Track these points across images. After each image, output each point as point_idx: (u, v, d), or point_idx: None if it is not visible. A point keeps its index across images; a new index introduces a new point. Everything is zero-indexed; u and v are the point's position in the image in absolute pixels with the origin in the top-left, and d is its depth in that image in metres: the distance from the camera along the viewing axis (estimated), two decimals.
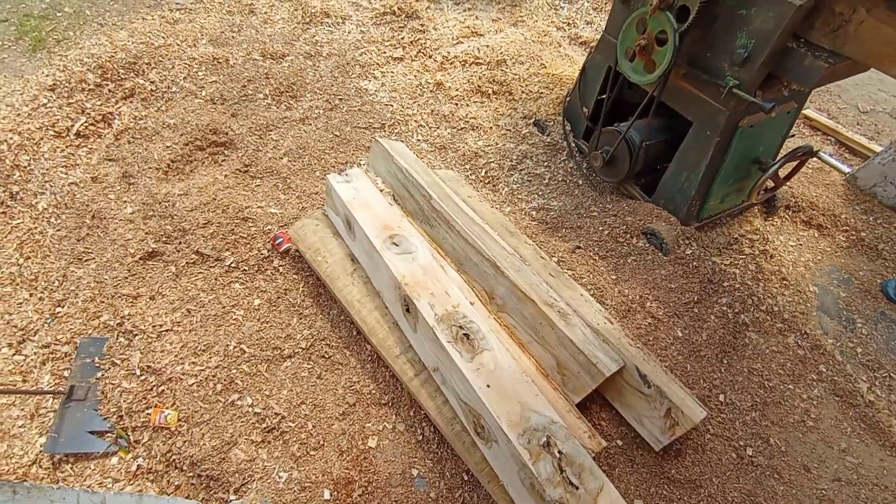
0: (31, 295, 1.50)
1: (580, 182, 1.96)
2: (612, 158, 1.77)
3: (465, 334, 1.12)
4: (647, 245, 1.66)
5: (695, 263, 1.59)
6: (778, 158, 1.45)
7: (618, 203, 1.82)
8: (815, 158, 1.74)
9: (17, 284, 1.52)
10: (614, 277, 1.59)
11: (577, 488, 0.92)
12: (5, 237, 1.63)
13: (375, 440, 1.24)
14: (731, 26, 1.26)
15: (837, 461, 1.33)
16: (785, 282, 1.69)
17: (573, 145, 2.00)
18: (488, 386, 1.03)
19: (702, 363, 1.43)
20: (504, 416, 0.99)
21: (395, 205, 1.52)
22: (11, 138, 1.83)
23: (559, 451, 0.96)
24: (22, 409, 1.30)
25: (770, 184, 1.62)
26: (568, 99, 2.02)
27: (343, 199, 1.40)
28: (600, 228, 1.73)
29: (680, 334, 1.47)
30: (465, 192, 1.72)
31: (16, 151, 1.80)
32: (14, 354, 1.39)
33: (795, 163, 1.56)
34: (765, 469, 1.29)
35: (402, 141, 2.05)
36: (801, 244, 1.84)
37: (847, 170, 1.46)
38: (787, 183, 1.89)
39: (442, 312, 1.16)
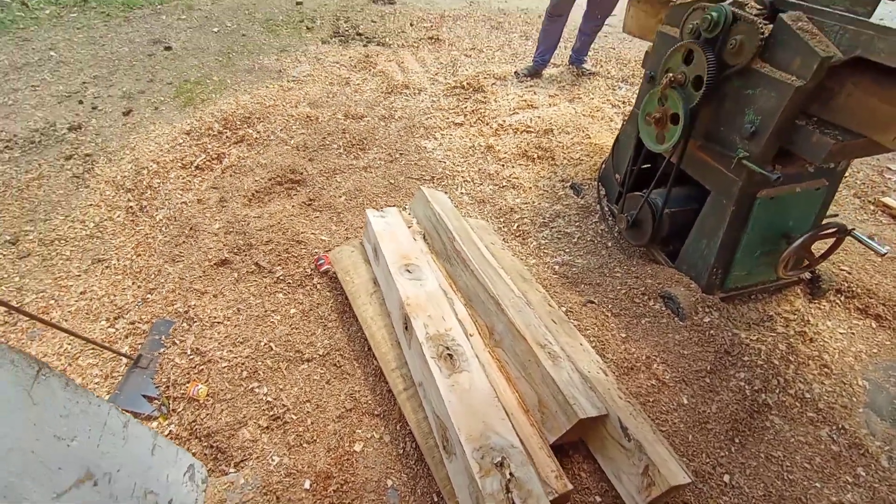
0: (132, 283, 1.90)
1: (609, 244, 2.02)
2: (637, 222, 1.83)
3: (449, 354, 1.23)
4: (664, 309, 1.65)
5: (712, 332, 1.54)
6: (804, 233, 1.42)
7: (642, 266, 1.84)
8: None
9: (126, 274, 1.94)
10: (623, 335, 1.59)
11: (512, 497, 0.94)
12: (128, 238, 2.11)
13: (361, 446, 1.34)
14: (739, 104, 1.35)
15: None
16: (826, 370, 1.55)
17: (605, 209, 2.09)
18: (459, 402, 1.12)
19: (707, 437, 1.35)
20: (465, 430, 1.06)
21: (423, 242, 1.72)
22: (151, 166, 2.40)
23: (510, 473, 1.00)
24: (101, 371, 1.63)
25: (804, 262, 1.56)
26: (603, 166, 2.15)
27: (375, 230, 1.64)
28: (618, 287, 1.76)
29: (686, 402, 1.41)
30: (489, 239, 1.88)
31: (152, 175, 2.36)
32: (108, 327, 1.76)
33: (831, 241, 1.50)
34: None
35: (446, 192, 2.30)
36: (853, 333, 1.68)
37: (883, 251, 1.37)
38: (829, 263, 1.79)
39: (433, 333, 1.29)
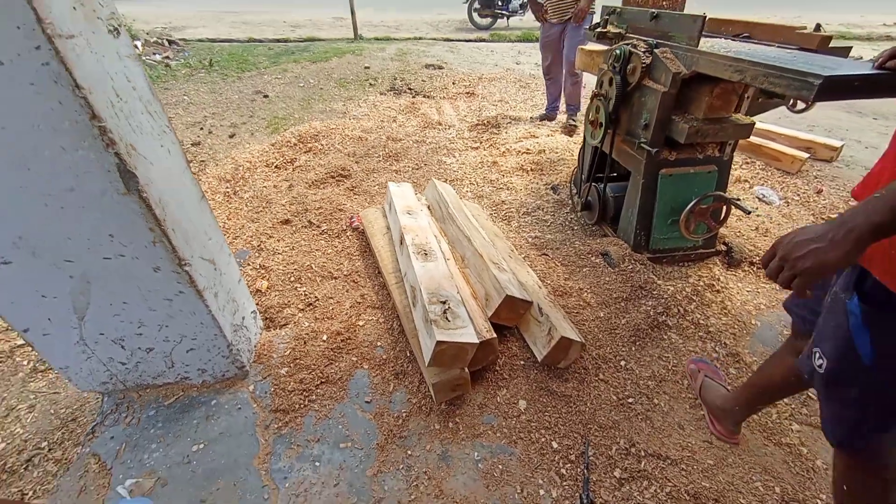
0: (225, 235, 2.72)
1: (575, 227, 2.59)
2: (588, 204, 2.43)
3: (424, 252, 1.87)
4: (602, 262, 2.18)
5: (633, 274, 2.05)
6: (691, 205, 1.96)
7: (595, 238, 2.40)
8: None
9: (223, 232, 2.78)
10: (566, 276, 2.13)
11: (449, 321, 1.51)
12: (223, 210, 2.97)
13: (363, 322, 1.96)
14: (639, 107, 1.98)
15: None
16: (725, 310, 1.98)
17: (575, 202, 2.69)
18: (425, 273, 1.73)
19: (614, 338, 1.84)
20: (425, 286, 1.66)
21: (427, 210, 2.42)
22: (245, 164, 3.35)
23: (449, 307, 1.58)
24: None
25: (707, 229, 2.07)
26: (574, 170, 2.78)
27: (391, 190, 2.36)
28: (571, 250, 2.32)
29: (602, 315, 1.91)
30: (476, 211, 2.54)
31: (245, 171, 3.29)
32: None
33: (723, 207, 2.01)
34: (639, 413, 1.59)
35: (455, 188, 3.01)
36: (758, 292, 2.11)
37: (749, 210, 1.82)
38: (749, 243, 2.26)
39: (417, 242, 1.93)
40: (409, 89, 5.19)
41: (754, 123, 1.86)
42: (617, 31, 2.26)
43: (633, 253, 2.15)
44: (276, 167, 3.31)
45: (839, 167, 3.40)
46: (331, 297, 2.10)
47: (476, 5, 9.00)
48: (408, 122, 4.16)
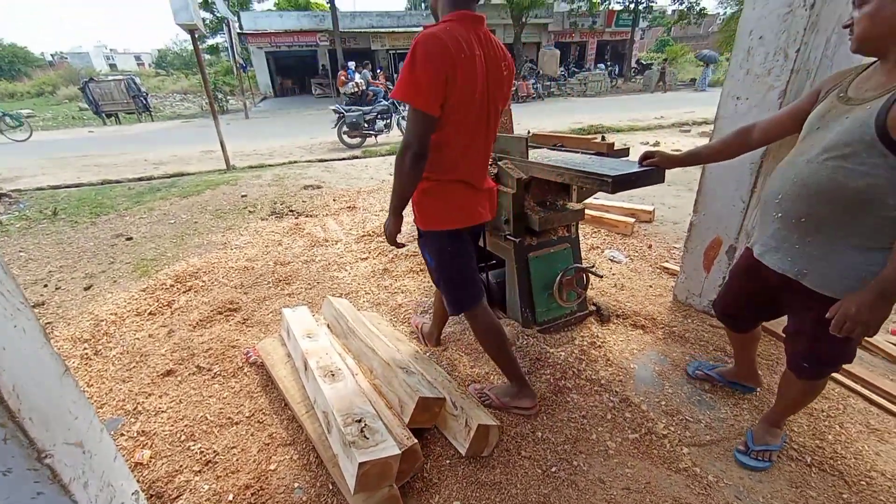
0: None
1: None
2: None
3: (332, 373, 1.85)
4: None
5: (528, 349, 2.27)
6: (558, 278, 2.33)
7: None
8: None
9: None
10: (471, 363, 2.26)
11: (367, 438, 1.49)
12: (84, 378, 2.58)
13: (275, 465, 1.80)
14: (501, 207, 2.37)
15: (630, 478, 1.69)
16: (609, 362, 2.28)
17: None
18: (335, 395, 1.71)
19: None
20: (337, 408, 1.63)
21: (327, 328, 2.42)
22: (109, 317, 3.00)
23: (365, 424, 1.56)
24: None
25: (577, 294, 2.43)
26: None
27: (287, 316, 2.33)
28: (470, 338, 2.49)
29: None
30: (375, 320, 2.61)
31: (109, 325, 2.94)
32: None
33: (583, 275, 2.41)
34: (564, 480, 1.68)
35: (351, 301, 3.07)
36: (629, 339, 2.47)
37: (601, 274, 2.26)
38: (611, 300, 2.68)
39: (322, 364, 1.91)
40: (291, 211, 5.32)
41: (584, 209, 2.35)
42: None
43: (524, 329, 2.39)
44: (149, 314, 3.03)
45: (657, 225, 4.30)
46: (233, 447, 1.90)
47: (344, 128, 9.89)
48: (294, 243, 4.22)
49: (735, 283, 1.67)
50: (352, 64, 15.33)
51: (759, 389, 2.03)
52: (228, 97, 20.36)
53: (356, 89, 12.43)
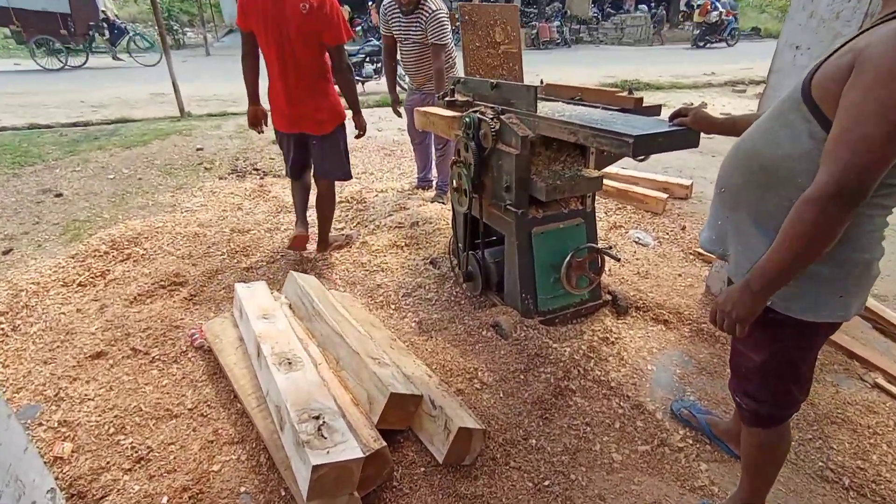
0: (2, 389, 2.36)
1: (462, 302, 2.81)
2: (469, 275, 2.68)
3: (288, 361, 1.86)
4: (494, 335, 2.39)
5: (526, 342, 2.27)
6: (567, 260, 2.32)
7: (484, 311, 2.62)
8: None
9: None
10: (459, 357, 2.28)
11: (325, 438, 1.51)
12: None
13: (219, 466, 1.82)
14: (500, 171, 2.34)
15: (636, 495, 1.71)
16: (623, 361, 2.29)
17: (456, 274, 2.94)
18: (291, 385, 1.72)
19: (519, 417, 1.98)
20: (292, 401, 1.65)
21: (288, 310, 2.42)
22: (32, 288, 3.01)
23: (324, 421, 1.58)
24: None
25: (590, 280, 2.43)
26: (452, 240, 3.07)
27: (240, 294, 2.33)
28: (460, 327, 2.50)
29: (502, 393, 2.06)
30: (347, 302, 2.61)
31: (29, 296, 2.95)
32: None
33: (591, 259, 2.40)
34: (558, 496, 1.70)
35: (325, 279, 3.07)
36: (648, 336, 2.49)
37: (618, 258, 2.25)
38: (633, 289, 2.68)
39: (278, 351, 1.92)
40: (256, 170, 5.28)
41: (602, 176, 2.32)
42: (464, 98, 2.69)
43: (523, 319, 2.40)
44: (78, 285, 3.03)
45: (694, 203, 4.27)
46: (171, 443, 1.93)
47: None
48: (256, 208, 4.20)
49: None
50: None
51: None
52: (186, 29, 19.95)
53: None
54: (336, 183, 3.32)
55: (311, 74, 2.77)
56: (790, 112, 1.13)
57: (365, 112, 3.33)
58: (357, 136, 3.15)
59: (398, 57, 3.99)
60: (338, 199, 4.23)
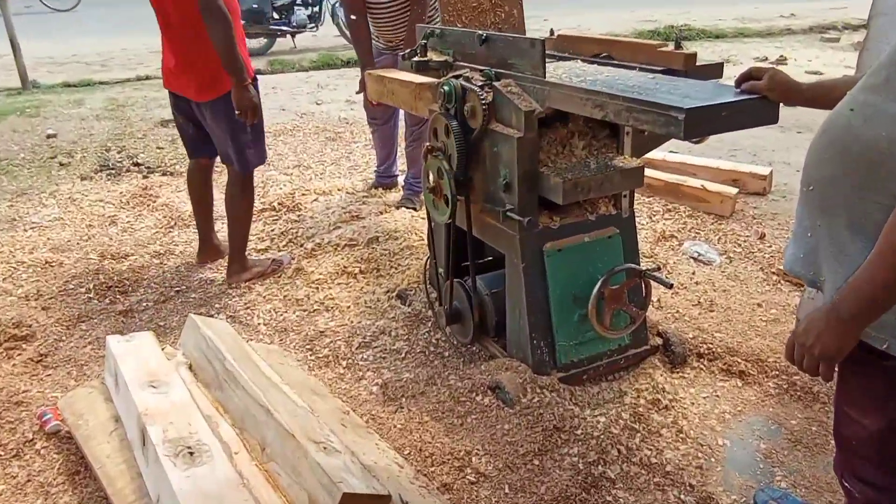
0: None
1: (446, 353, 2.81)
2: (456, 314, 2.69)
3: (189, 451, 1.83)
4: (494, 401, 2.39)
5: (540, 411, 2.28)
6: (596, 288, 2.34)
7: (477, 366, 2.63)
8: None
9: None
10: (444, 433, 2.27)
11: None
12: None
13: None
14: (494, 162, 2.37)
15: None
16: (681, 434, 2.31)
17: (436, 313, 2.94)
18: (192, 489, 1.69)
19: None
20: None
21: (187, 372, 2.39)
22: None
23: None
24: None
25: (630, 319, 2.46)
26: (428, 264, 3.08)
27: (115, 353, 2.30)
28: (444, 392, 2.50)
29: (507, 490, 2.06)
30: (275, 358, 2.59)
31: None
32: None
33: (632, 286, 2.43)
34: None
35: (242, 324, 3.04)
36: (717, 396, 2.51)
37: (670, 284, 2.28)
38: (690, 327, 2.72)
39: (173, 436, 1.89)
40: (136, 165, 5.28)
41: (643, 167, 2.36)
42: (441, 58, 2.72)
43: (536, 377, 2.40)
44: None
45: (775, 200, 4.38)
46: None
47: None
48: (138, 221, 4.19)
49: None
50: None
51: None
52: None
53: None
54: (255, 176, 3.38)
55: (192, 15, 2.94)
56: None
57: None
58: (238, 116, 3.09)
59: None
60: (260, 206, 4.26)
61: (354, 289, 3.29)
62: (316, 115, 6.63)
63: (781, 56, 8.81)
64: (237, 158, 3.26)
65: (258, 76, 3.23)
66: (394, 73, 3.09)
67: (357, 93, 4.29)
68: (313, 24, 10.22)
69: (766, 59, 8.67)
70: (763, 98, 1.73)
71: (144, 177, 5.05)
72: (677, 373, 2.63)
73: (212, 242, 3.62)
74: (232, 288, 3.36)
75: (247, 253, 3.50)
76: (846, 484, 1.49)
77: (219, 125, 3.20)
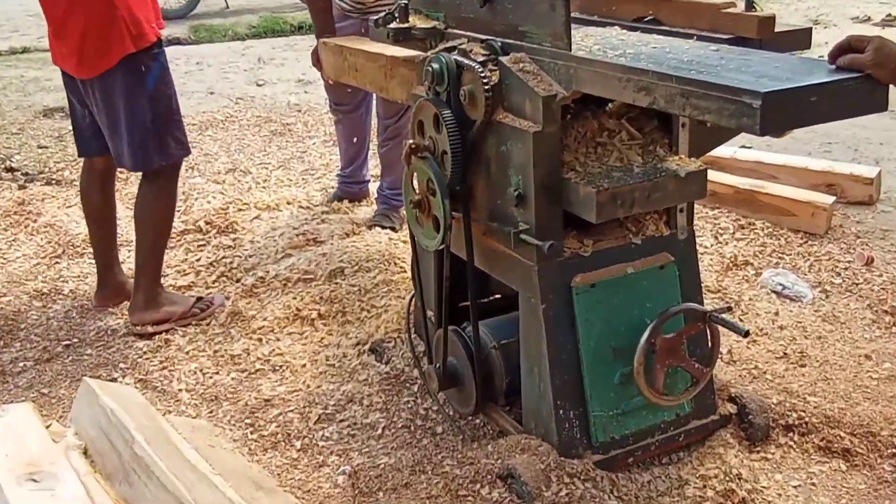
0: None
1: (438, 429, 2.80)
2: (453, 372, 2.69)
3: None
4: (506, 494, 2.37)
5: None
6: (644, 338, 2.33)
7: (482, 447, 2.61)
8: None
9: None
10: None
11: None
12: None
13: None
14: (502, 166, 2.38)
15: None
16: None
17: (424, 373, 2.93)
18: None
19: None
20: None
21: (81, 459, 2.38)
22: None
23: None
24: None
25: (691, 379, 2.46)
26: (412, 301, 3.07)
27: None
28: (436, 483, 2.48)
29: None
30: (204, 440, 2.58)
31: None
32: None
33: (693, 333, 2.44)
34: None
35: (157, 391, 3.03)
36: (813, 484, 2.51)
37: (744, 330, 2.28)
38: (773, 388, 2.73)
39: None
40: (10, 171, 5.29)
41: (706, 171, 2.37)
42: (429, 24, 2.74)
43: (563, 461, 2.39)
44: None
45: (886, 211, 4.40)
46: None
47: None
48: (12, 250, 4.19)
49: None
50: None
51: None
52: None
53: None
54: (170, 181, 3.40)
55: None
56: None
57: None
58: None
59: None
60: (181, 226, 4.26)
61: (312, 340, 3.29)
62: (256, 99, 6.67)
63: (889, 15, 8.89)
64: (130, 153, 3.24)
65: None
66: (359, 43, 3.10)
67: (312, 67, 4.29)
68: None
69: (869, 19, 8.76)
70: (867, 77, 1.75)
71: (21, 187, 5.04)
72: (757, 452, 2.62)
73: (115, 277, 3.59)
74: (142, 339, 3.35)
75: (161, 283, 3.48)
76: None
77: (109, 108, 3.18)
